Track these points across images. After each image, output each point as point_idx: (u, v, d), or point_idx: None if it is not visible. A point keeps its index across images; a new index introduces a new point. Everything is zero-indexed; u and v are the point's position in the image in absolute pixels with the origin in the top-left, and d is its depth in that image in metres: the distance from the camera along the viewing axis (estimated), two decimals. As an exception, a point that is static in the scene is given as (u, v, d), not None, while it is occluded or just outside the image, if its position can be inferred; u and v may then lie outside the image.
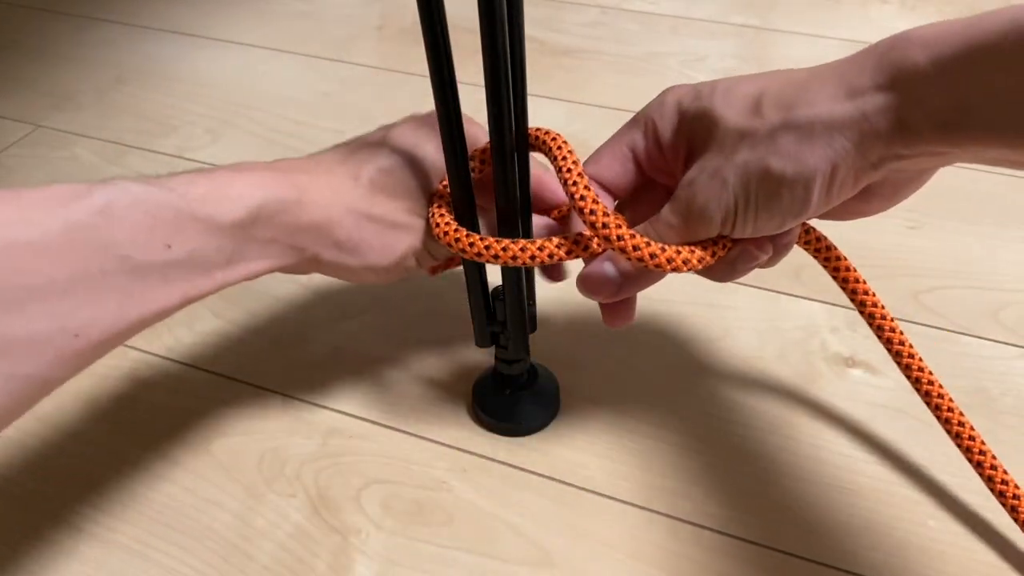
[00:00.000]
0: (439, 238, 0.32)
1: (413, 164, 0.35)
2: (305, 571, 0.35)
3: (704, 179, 0.28)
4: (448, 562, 0.35)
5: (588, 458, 0.39)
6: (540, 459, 0.39)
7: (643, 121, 0.32)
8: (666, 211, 0.30)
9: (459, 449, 0.39)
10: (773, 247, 0.31)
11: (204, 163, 0.60)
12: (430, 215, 0.33)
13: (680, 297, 0.46)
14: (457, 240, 0.31)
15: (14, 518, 0.37)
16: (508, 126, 0.29)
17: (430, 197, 0.35)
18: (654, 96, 0.32)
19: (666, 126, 0.31)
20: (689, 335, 0.45)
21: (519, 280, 0.34)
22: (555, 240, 0.31)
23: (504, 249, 0.31)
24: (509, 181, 0.31)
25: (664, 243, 0.29)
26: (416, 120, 0.37)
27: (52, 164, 0.61)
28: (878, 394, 0.41)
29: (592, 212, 0.29)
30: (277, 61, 0.73)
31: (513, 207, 0.32)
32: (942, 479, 0.37)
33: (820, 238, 0.34)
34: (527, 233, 0.34)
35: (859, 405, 0.41)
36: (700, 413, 0.41)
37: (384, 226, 0.34)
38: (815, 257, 0.34)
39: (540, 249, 0.31)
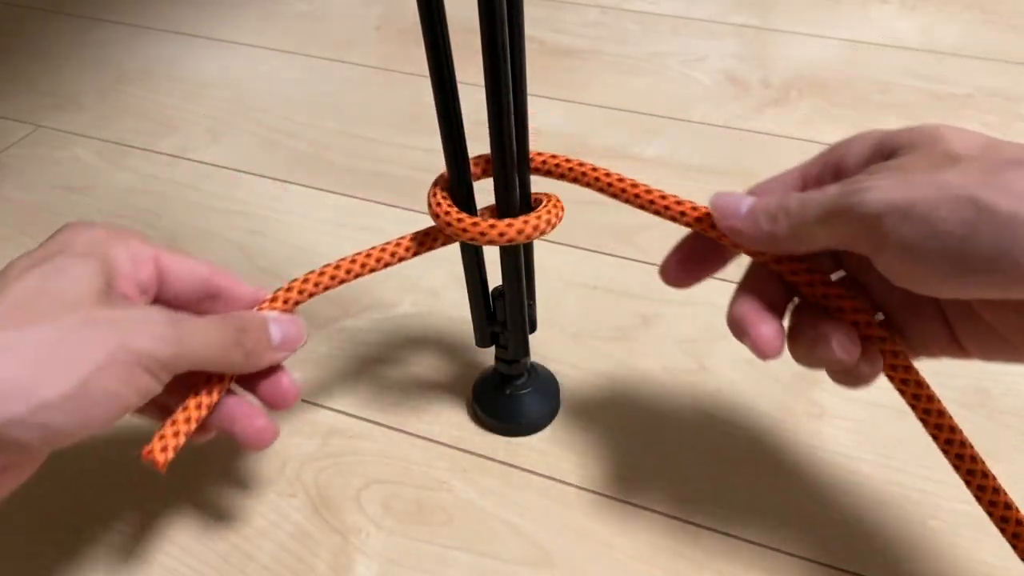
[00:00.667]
0: (442, 224, 0.32)
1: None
2: (305, 571, 0.35)
3: (882, 177, 0.24)
4: (448, 562, 0.35)
5: (588, 458, 0.39)
6: (540, 459, 0.39)
7: (830, 151, 0.28)
8: (815, 192, 0.26)
9: (459, 449, 0.39)
10: (860, 356, 0.26)
11: (205, 163, 0.60)
12: (431, 195, 0.33)
13: (681, 296, 0.46)
14: (459, 221, 0.31)
15: (11, 520, 0.37)
16: (508, 126, 0.29)
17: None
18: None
19: (858, 149, 0.27)
20: (690, 335, 0.45)
21: (519, 280, 0.34)
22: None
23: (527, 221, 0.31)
24: (509, 182, 0.31)
25: (785, 220, 0.26)
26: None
27: (52, 164, 0.61)
28: (879, 394, 0.41)
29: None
30: (278, 61, 0.73)
31: (513, 212, 0.32)
32: (942, 479, 0.37)
33: (908, 369, 0.29)
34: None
35: (861, 405, 0.41)
36: (701, 413, 0.41)
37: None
38: (900, 393, 0.30)
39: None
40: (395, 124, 0.63)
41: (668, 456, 0.39)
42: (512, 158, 0.31)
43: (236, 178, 0.58)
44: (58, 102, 0.68)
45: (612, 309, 0.46)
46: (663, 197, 0.31)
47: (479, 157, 0.33)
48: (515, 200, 0.32)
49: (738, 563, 0.35)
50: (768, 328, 0.27)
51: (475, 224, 0.31)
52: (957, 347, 0.27)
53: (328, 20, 0.79)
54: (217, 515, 0.37)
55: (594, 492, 0.37)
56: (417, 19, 0.27)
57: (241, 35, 0.76)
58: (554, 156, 0.33)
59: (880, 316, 0.28)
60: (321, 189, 0.57)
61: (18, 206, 0.57)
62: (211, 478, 0.39)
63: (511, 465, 0.39)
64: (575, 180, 0.33)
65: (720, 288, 0.46)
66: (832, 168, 0.27)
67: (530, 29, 0.71)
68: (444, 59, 0.28)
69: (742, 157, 0.58)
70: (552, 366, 0.42)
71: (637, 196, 0.31)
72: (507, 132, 0.30)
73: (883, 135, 0.26)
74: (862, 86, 0.66)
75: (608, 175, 0.32)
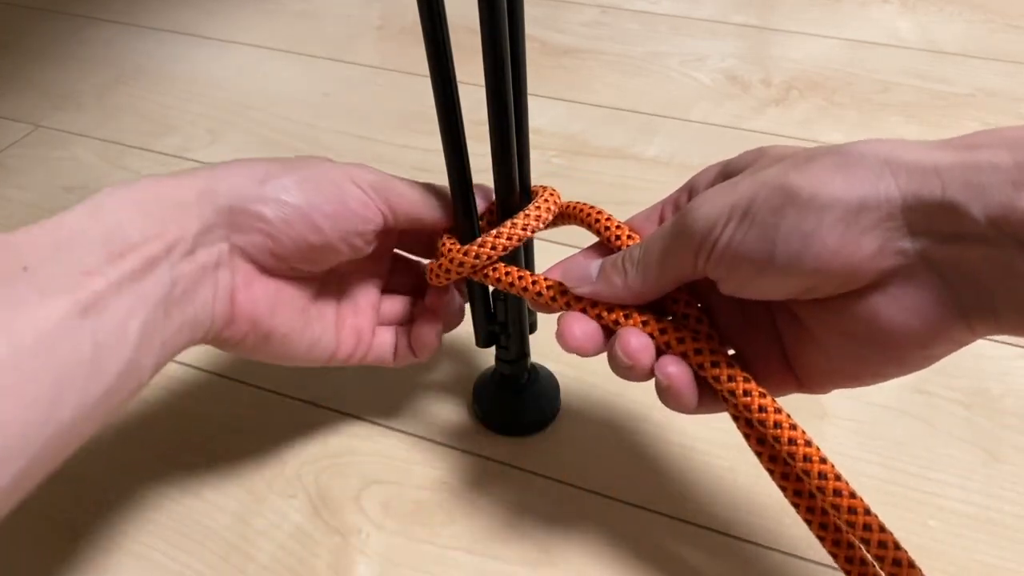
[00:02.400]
0: (443, 257, 0.32)
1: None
2: (305, 571, 0.35)
3: (712, 190, 0.25)
4: (448, 562, 0.35)
5: (588, 458, 0.39)
6: (540, 459, 0.39)
7: (683, 185, 0.30)
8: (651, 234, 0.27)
9: (459, 449, 0.39)
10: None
11: (205, 163, 0.60)
12: (440, 244, 0.33)
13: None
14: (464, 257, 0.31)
15: (11, 521, 0.37)
16: (509, 126, 0.29)
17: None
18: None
19: (705, 177, 0.28)
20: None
21: (517, 259, 0.34)
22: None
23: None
24: (512, 185, 0.31)
25: (624, 276, 0.28)
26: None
27: (52, 164, 0.61)
28: (880, 394, 0.41)
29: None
30: (277, 61, 0.73)
31: (513, 209, 0.32)
32: (942, 479, 0.37)
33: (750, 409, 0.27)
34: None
35: (861, 405, 0.41)
36: (700, 413, 0.41)
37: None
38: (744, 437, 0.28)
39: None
40: (395, 124, 0.63)
41: (668, 456, 0.39)
42: (512, 158, 0.30)
43: (236, 178, 0.58)
44: (58, 102, 0.68)
45: (612, 309, 0.46)
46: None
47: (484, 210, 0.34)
48: (516, 201, 0.32)
49: (739, 563, 0.35)
50: (581, 329, 0.29)
51: (476, 256, 0.31)
52: (793, 377, 0.28)
53: (328, 20, 0.79)
54: (217, 515, 0.37)
55: (594, 492, 0.37)
56: (417, 18, 0.27)
57: (241, 35, 0.76)
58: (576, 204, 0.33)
59: (731, 351, 0.29)
60: (321, 189, 0.57)
61: (18, 206, 0.57)
62: (211, 478, 0.38)
63: (511, 465, 0.39)
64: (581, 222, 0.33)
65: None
66: (685, 199, 0.29)
67: (530, 29, 0.71)
68: (444, 58, 0.28)
69: (742, 157, 0.58)
70: (552, 366, 0.42)
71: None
72: (508, 131, 0.30)
73: (726, 162, 0.28)
74: (863, 86, 0.66)
75: (610, 219, 0.32)
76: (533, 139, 0.32)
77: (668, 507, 0.37)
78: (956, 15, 0.75)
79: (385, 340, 0.36)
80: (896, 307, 0.22)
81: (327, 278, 0.34)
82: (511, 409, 0.40)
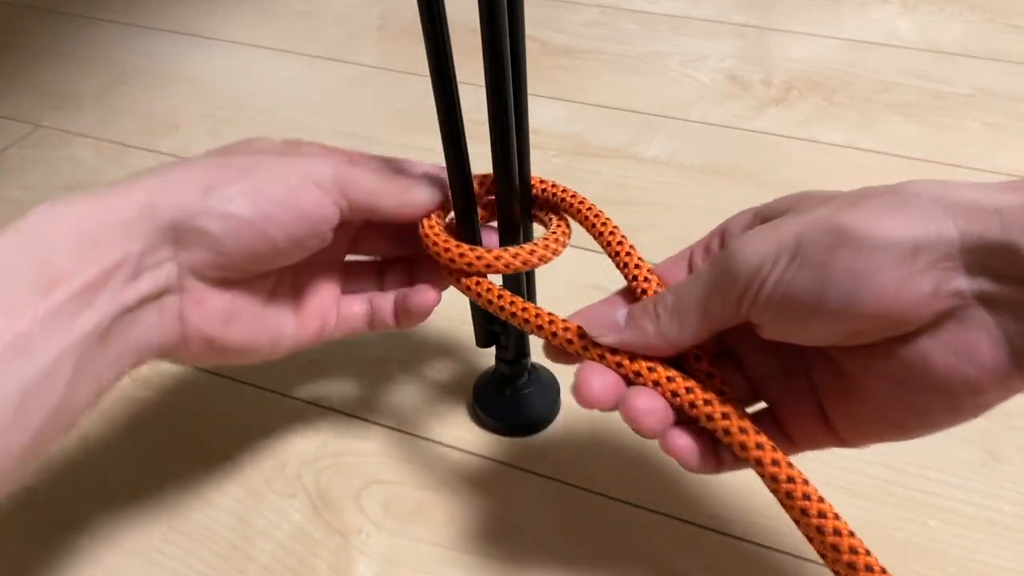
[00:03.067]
0: (433, 253, 0.31)
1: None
2: (305, 571, 0.35)
3: (755, 231, 0.24)
4: (448, 562, 0.35)
5: (588, 458, 0.39)
6: (540, 459, 0.39)
7: (715, 229, 0.28)
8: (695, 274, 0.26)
9: (459, 449, 0.39)
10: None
11: (204, 163, 0.60)
12: (420, 227, 0.32)
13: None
14: (461, 255, 0.31)
15: (11, 520, 0.37)
16: (509, 126, 0.29)
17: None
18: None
19: (739, 221, 0.27)
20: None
21: (519, 279, 0.34)
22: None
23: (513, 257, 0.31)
24: (512, 185, 0.31)
25: (664, 316, 0.26)
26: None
27: (52, 164, 0.61)
28: (879, 394, 0.41)
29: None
30: (278, 61, 0.73)
31: (514, 213, 0.32)
32: (942, 479, 0.37)
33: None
34: (527, 238, 0.34)
35: (860, 405, 0.41)
36: (700, 413, 0.41)
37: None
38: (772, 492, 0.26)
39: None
40: (395, 123, 0.63)
41: (668, 456, 0.39)
42: (512, 158, 0.30)
43: (236, 178, 0.58)
44: (58, 102, 0.68)
45: (612, 309, 0.46)
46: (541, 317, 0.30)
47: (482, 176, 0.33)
48: (516, 201, 0.32)
49: (739, 563, 0.35)
50: (600, 383, 0.27)
51: (479, 257, 0.31)
52: (831, 430, 0.26)
53: (328, 19, 0.79)
54: (217, 515, 0.37)
55: (594, 492, 0.37)
56: (417, 18, 0.27)
57: (241, 34, 0.76)
58: (554, 184, 0.33)
59: (762, 404, 0.28)
60: (321, 189, 0.57)
61: (18, 206, 0.57)
62: (211, 478, 0.38)
63: (511, 465, 0.39)
64: (568, 211, 0.33)
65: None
66: (718, 244, 0.28)
67: (530, 29, 0.71)
68: (445, 58, 0.28)
69: (743, 157, 0.58)
70: (552, 366, 0.42)
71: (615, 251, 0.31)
72: (508, 131, 0.30)
73: (761, 207, 0.27)
74: (863, 86, 0.66)
75: (598, 216, 0.32)
76: (533, 139, 0.32)
77: (668, 507, 0.37)
78: (956, 15, 0.75)
79: (354, 312, 0.34)
80: (949, 351, 0.22)
81: (282, 270, 0.31)
82: (511, 409, 0.40)
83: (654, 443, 0.39)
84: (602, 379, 0.27)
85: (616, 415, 0.40)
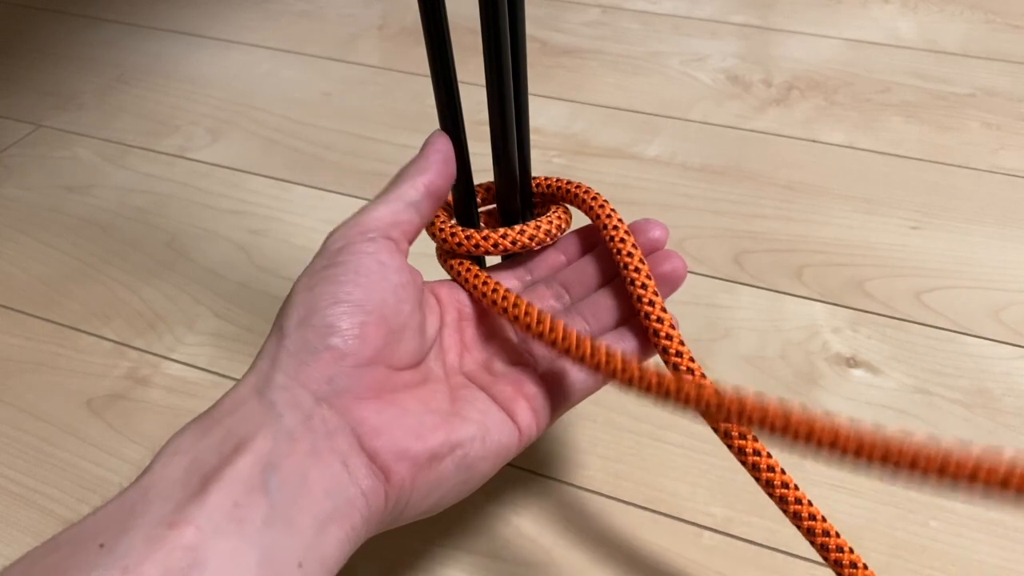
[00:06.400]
0: (441, 240, 0.32)
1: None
2: (305, 571, 0.35)
3: None
4: (448, 562, 0.35)
5: (588, 458, 0.39)
6: (540, 459, 0.39)
7: None
8: None
9: (460, 449, 0.39)
10: None
11: (205, 163, 0.60)
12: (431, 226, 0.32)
13: (681, 296, 0.46)
14: (466, 239, 0.31)
15: (12, 517, 0.37)
16: (509, 126, 0.29)
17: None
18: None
19: None
20: (690, 334, 0.45)
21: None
22: None
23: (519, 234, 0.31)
24: (513, 185, 0.31)
25: None
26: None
27: (53, 164, 0.61)
28: (880, 394, 0.41)
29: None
30: (278, 61, 0.73)
31: (514, 209, 0.32)
32: (943, 479, 0.37)
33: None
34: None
35: (861, 405, 0.41)
36: (701, 413, 0.41)
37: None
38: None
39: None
40: (396, 123, 0.63)
41: (668, 456, 0.39)
42: (513, 158, 0.30)
43: (236, 178, 0.58)
44: (58, 102, 0.68)
45: (613, 309, 0.46)
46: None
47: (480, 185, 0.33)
48: (516, 201, 0.32)
49: (739, 563, 0.35)
50: None
51: (485, 237, 0.31)
52: None
53: (329, 19, 0.79)
54: (217, 515, 0.37)
55: (594, 492, 0.37)
56: (418, 18, 0.27)
57: (241, 34, 0.76)
58: (557, 180, 0.33)
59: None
60: (322, 189, 0.57)
61: (18, 206, 0.57)
62: (211, 478, 0.38)
63: (511, 465, 0.39)
64: (570, 199, 0.33)
65: (722, 287, 0.46)
66: None
67: (531, 29, 0.71)
68: (445, 58, 0.28)
69: (743, 157, 0.58)
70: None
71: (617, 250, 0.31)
72: (508, 131, 0.30)
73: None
74: (863, 86, 0.66)
75: (603, 206, 0.32)
76: (534, 139, 0.32)
77: (668, 507, 0.37)
78: (956, 15, 0.75)
79: (578, 378, 0.31)
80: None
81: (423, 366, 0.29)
82: (511, 409, 0.40)
83: (654, 443, 0.39)
84: None
85: (615, 415, 0.40)
